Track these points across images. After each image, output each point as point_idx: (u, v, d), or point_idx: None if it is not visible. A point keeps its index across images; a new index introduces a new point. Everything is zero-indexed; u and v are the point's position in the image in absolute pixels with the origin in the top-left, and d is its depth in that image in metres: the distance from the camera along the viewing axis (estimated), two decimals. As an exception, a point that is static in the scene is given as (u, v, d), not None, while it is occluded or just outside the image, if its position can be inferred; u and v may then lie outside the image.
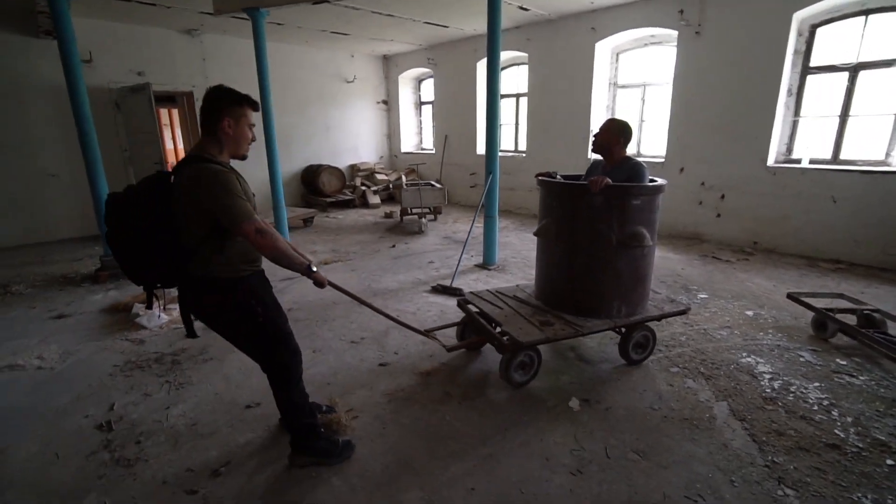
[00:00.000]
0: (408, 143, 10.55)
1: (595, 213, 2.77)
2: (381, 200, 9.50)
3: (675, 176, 6.14)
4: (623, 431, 2.36)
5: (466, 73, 8.64)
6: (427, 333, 2.91)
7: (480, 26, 7.56)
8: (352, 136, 10.01)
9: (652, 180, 2.90)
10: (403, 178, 9.11)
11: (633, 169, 2.88)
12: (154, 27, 7.17)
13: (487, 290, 3.35)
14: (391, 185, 9.71)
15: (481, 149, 8.70)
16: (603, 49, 6.70)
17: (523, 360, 2.72)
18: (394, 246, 6.18)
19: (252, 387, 2.81)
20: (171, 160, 9.50)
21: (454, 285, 4.36)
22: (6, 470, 2.16)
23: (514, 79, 8.35)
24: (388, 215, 8.12)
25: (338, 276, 4.90)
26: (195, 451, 2.25)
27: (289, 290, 4.48)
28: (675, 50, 5.89)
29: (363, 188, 9.39)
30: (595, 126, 6.91)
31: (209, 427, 2.44)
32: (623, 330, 2.96)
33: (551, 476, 2.07)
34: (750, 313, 3.77)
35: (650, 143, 6.76)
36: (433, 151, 9.85)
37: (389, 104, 10.51)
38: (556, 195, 3.00)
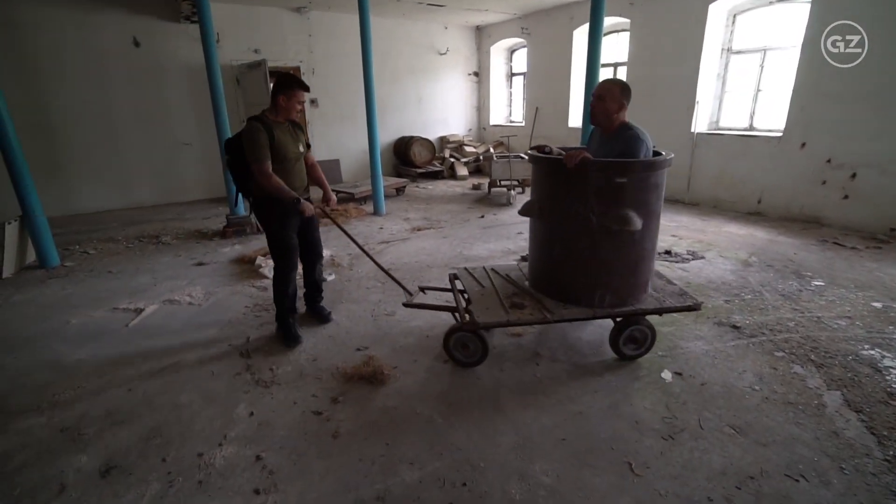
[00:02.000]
0: (497, 116, 10.51)
1: (573, 191, 2.47)
2: (469, 172, 9.65)
3: (794, 151, 5.56)
4: (719, 407, 2.34)
5: (561, 43, 8.35)
6: (406, 290, 3.04)
7: (579, -9, 7.25)
8: (442, 108, 10.20)
9: (657, 153, 2.54)
10: (492, 150, 9.15)
11: (628, 141, 2.47)
12: (268, 6, 7.78)
13: (482, 267, 3.22)
14: (480, 158, 9.80)
15: (573, 121, 8.45)
16: (718, 11, 6.12)
17: (465, 339, 2.62)
18: (483, 216, 6.33)
19: (360, 333, 3.16)
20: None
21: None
22: (179, 377, 2.69)
23: (613, 47, 7.92)
24: (476, 187, 8.26)
25: (430, 243, 5.18)
26: (317, 382, 2.62)
27: (386, 252, 4.84)
28: (808, 7, 5.22)
29: (452, 160, 9.59)
30: (703, 96, 6.42)
31: (326, 363, 2.81)
32: (618, 320, 2.68)
33: (641, 438, 2.14)
34: (878, 305, 3.42)
35: (764, 115, 6.13)
36: (522, 124, 9.74)
37: (480, 76, 10.49)
38: (539, 171, 2.72)
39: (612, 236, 2.46)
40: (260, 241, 5.34)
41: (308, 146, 3.04)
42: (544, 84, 8.99)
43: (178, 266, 4.62)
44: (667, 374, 2.62)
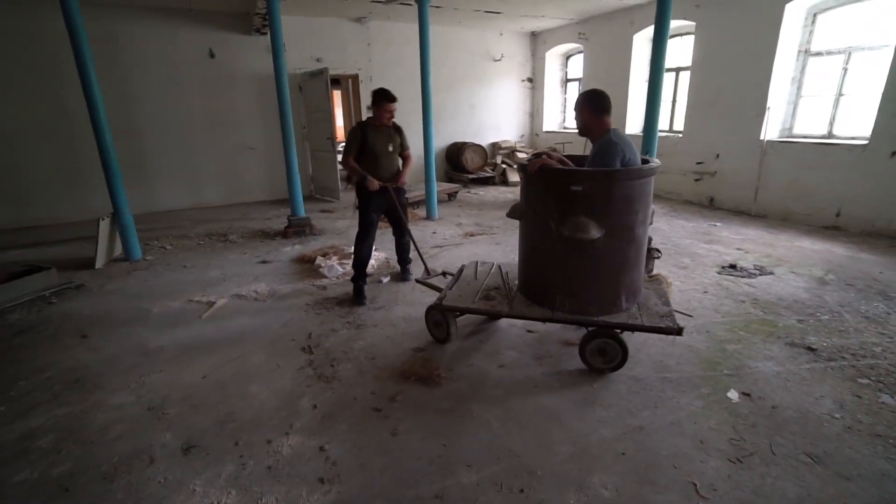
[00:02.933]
0: (550, 122, 10.40)
1: (541, 196, 2.61)
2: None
3: (882, 161, 5.13)
4: (793, 433, 2.20)
5: (620, 48, 8.15)
6: (427, 268, 3.92)
7: (642, -5, 7.07)
8: (494, 114, 10.22)
9: (645, 161, 2.57)
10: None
11: (600, 147, 2.53)
12: (330, 17, 8.13)
13: (496, 263, 3.52)
14: (529, 164, 9.71)
15: (632, 128, 8.23)
16: (795, 10, 5.76)
17: (437, 319, 2.99)
18: (533, 223, 6.28)
19: (415, 335, 3.23)
20: (339, 135, 10.75)
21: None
22: (248, 368, 2.87)
23: (675, 52, 7.63)
24: (526, 194, 8.20)
25: (482, 248, 5.22)
26: (376, 380, 2.71)
27: (439, 256, 4.93)
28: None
29: (504, 166, 9.58)
30: (774, 102, 6.07)
31: (384, 362, 2.90)
32: (590, 329, 2.69)
33: (706, 458, 2.05)
34: (981, 332, 3.10)
35: (847, 121, 5.69)
36: (577, 131, 9.56)
37: (534, 82, 10.43)
38: (522, 176, 2.91)
39: (570, 243, 2.51)
40: (318, 242, 5.58)
41: (402, 147, 3.92)
42: (602, 88, 8.78)
43: (243, 263, 4.92)
44: (733, 394, 2.50)
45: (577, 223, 2.45)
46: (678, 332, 2.52)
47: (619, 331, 2.63)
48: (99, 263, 4.79)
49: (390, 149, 3.78)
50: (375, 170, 3.72)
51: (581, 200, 2.47)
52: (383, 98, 3.59)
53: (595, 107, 2.65)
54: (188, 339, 3.28)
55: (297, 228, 5.87)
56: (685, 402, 2.46)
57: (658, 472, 1.98)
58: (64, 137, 6.74)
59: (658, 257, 3.25)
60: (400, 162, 3.97)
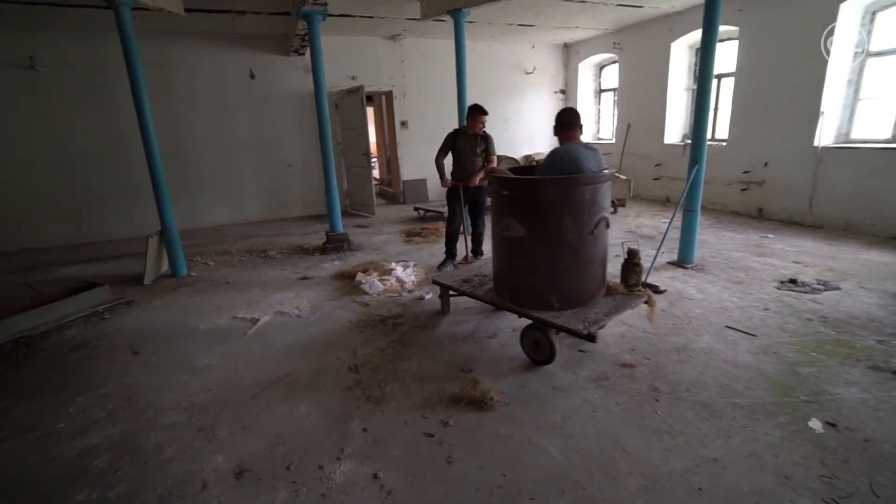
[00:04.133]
0: (585, 133, 10.22)
1: (493, 201, 3.12)
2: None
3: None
4: (894, 472, 1.98)
5: (657, 56, 7.96)
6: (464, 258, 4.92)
7: (679, 2, 6.89)
8: (528, 127, 10.14)
9: (595, 172, 2.88)
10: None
11: (545, 158, 2.98)
12: (365, 36, 8.29)
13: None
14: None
15: (669, 138, 7.99)
16: (850, 9, 5.48)
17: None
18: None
19: (463, 354, 3.14)
20: (373, 151, 10.89)
21: (650, 282, 4.14)
22: (295, 387, 2.84)
23: (717, 58, 7.36)
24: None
25: (522, 263, 5.09)
26: (426, 403, 2.62)
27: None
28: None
29: (536, 178, 9.45)
30: (829, 106, 5.77)
31: (432, 383, 2.81)
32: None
33: (796, 497, 1.86)
34: None
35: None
36: (612, 141, 9.38)
37: (567, 93, 10.32)
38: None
39: (503, 240, 3.01)
40: (357, 257, 5.59)
41: (487, 152, 4.61)
42: (636, 99, 8.60)
43: (284, 279, 4.96)
44: (816, 424, 2.29)
45: (507, 223, 2.91)
46: (590, 338, 2.63)
47: (554, 331, 2.82)
48: (147, 280, 4.93)
49: (478, 152, 4.57)
50: (459, 170, 4.65)
51: (507, 204, 2.93)
52: (477, 111, 4.44)
53: (558, 122, 3.10)
54: (234, 356, 3.29)
55: (336, 244, 5.90)
56: (761, 431, 2.26)
57: (742, 512, 1.81)
58: (119, 158, 7.07)
59: (639, 268, 3.16)
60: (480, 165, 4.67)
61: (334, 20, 6.86)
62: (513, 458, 2.15)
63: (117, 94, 6.71)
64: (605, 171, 2.94)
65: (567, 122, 3.04)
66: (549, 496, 1.91)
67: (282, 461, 2.21)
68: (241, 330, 3.72)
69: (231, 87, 7.64)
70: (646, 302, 3.05)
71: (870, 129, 5.74)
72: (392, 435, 2.35)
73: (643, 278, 3.95)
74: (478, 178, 4.55)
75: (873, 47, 5.58)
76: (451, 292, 3.69)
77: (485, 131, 4.56)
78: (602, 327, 2.81)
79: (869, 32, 5.59)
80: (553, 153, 2.94)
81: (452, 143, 4.59)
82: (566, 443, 2.23)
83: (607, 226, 2.92)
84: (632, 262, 3.17)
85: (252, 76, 7.74)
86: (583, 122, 3.24)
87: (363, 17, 6.95)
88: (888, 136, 5.51)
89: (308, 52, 6.71)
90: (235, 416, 2.58)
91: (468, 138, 4.54)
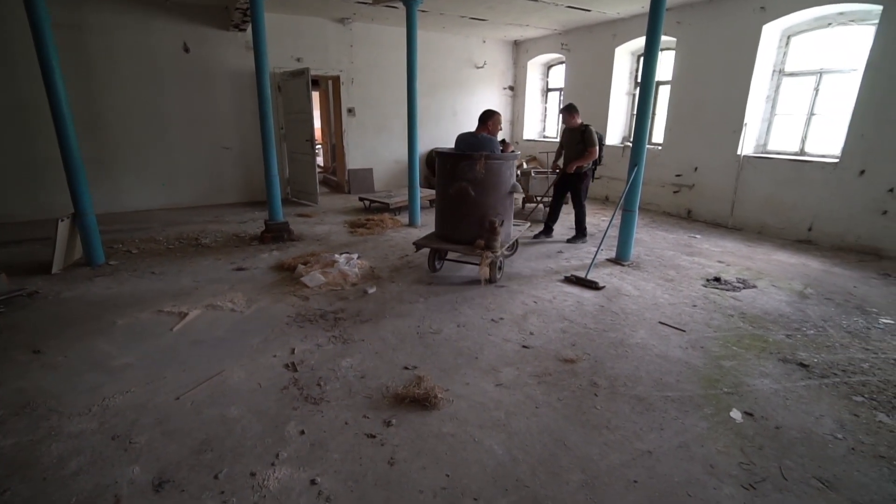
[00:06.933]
0: (531, 131, 10.44)
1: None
2: (500, 187, 9.53)
3: (851, 179, 5.33)
4: (800, 455, 2.17)
5: (601, 60, 8.25)
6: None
7: (624, 9, 7.16)
8: (476, 121, 10.13)
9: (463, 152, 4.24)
10: (524, 164, 9.05)
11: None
12: (312, 17, 7.90)
13: None
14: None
15: (610, 139, 8.32)
16: (771, 32, 5.96)
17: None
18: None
19: (406, 350, 3.07)
20: (317, 137, 10.45)
21: (590, 278, 4.28)
22: (226, 388, 2.64)
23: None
24: (508, 202, 8.15)
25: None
26: (367, 401, 2.54)
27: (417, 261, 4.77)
28: (873, 29, 5.03)
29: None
30: (751, 118, 6.25)
31: (374, 381, 2.73)
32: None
33: (720, 485, 1.98)
34: (958, 347, 3.19)
35: (818, 140, 5.90)
36: (557, 139, 9.62)
37: (515, 90, 10.45)
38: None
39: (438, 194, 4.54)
40: (297, 248, 5.34)
41: (584, 143, 5.28)
42: (582, 100, 8.80)
43: (218, 270, 4.63)
44: (736, 414, 2.46)
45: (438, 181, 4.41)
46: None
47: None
48: (56, 268, 4.41)
49: (576, 143, 5.30)
50: (560, 158, 5.63)
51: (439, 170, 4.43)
52: (570, 109, 5.40)
53: (482, 123, 4.52)
54: (158, 354, 3.01)
55: (275, 234, 5.60)
56: (690, 422, 2.40)
57: (673, 502, 1.89)
58: (18, 129, 6.24)
59: (494, 235, 4.09)
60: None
61: (280, -3, 6.48)
62: (457, 457, 2.12)
63: (14, 56, 5.92)
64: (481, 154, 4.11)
65: (483, 117, 4.54)
66: (493, 496, 1.91)
67: (209, 469, 2.04)
68: (166, 325, 3.42)
69: (162, 59, 7.00)
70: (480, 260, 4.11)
71: (783, 141, 6.30)
72: (332, 437, 2.25)
73: (496, 244, 4.12)
74: (574, 167, 5.31)
75: (788, 68, 6.11)
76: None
77: (582, 123, 5.34)
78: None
79: (784, 54, 6.10)
80: (491, 138, 4.38)
81: (561, 136, 5.60)
82: (510, 440, 2.23)
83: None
84: (487, 228, 4.06)
85: (186, 49, 7.14)
86: (491, 120, 4.50)
87: (310, -5, 6.61)
88: (796, 149, 6.07)
89: (250, 28, 6.28)
90: (156, 421, 2.35)
91: (570, 131, 5.39)
